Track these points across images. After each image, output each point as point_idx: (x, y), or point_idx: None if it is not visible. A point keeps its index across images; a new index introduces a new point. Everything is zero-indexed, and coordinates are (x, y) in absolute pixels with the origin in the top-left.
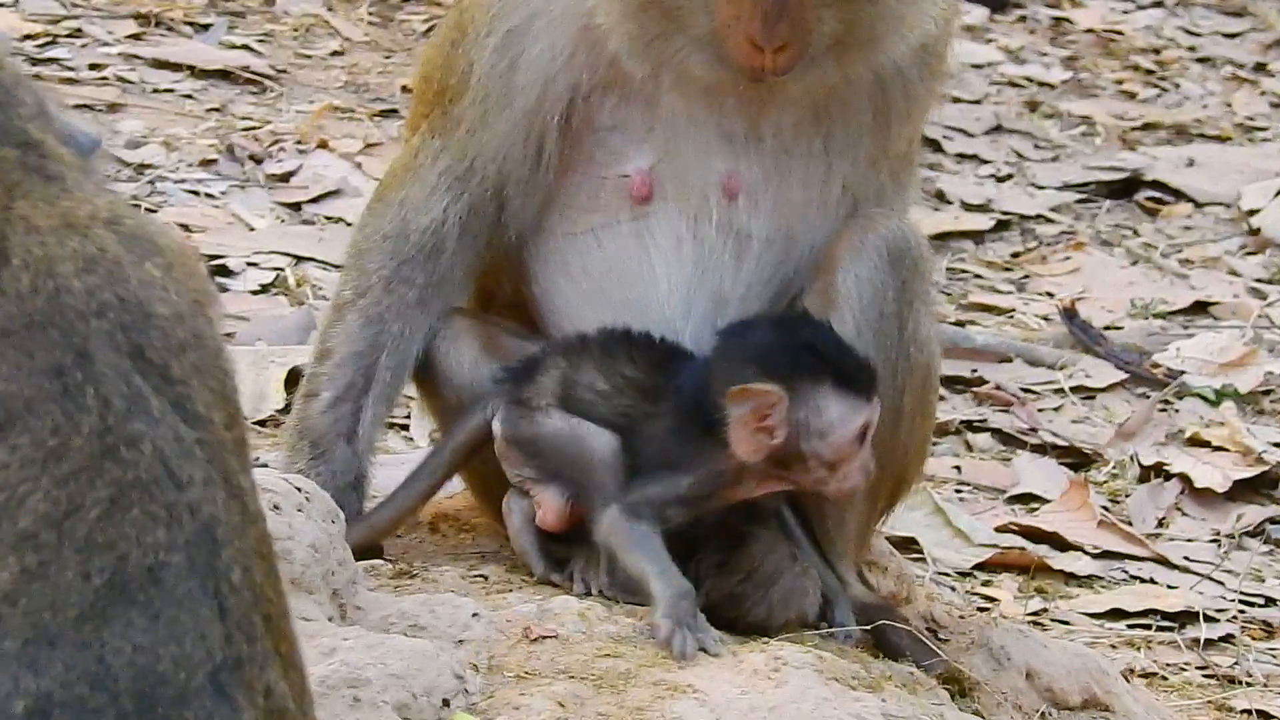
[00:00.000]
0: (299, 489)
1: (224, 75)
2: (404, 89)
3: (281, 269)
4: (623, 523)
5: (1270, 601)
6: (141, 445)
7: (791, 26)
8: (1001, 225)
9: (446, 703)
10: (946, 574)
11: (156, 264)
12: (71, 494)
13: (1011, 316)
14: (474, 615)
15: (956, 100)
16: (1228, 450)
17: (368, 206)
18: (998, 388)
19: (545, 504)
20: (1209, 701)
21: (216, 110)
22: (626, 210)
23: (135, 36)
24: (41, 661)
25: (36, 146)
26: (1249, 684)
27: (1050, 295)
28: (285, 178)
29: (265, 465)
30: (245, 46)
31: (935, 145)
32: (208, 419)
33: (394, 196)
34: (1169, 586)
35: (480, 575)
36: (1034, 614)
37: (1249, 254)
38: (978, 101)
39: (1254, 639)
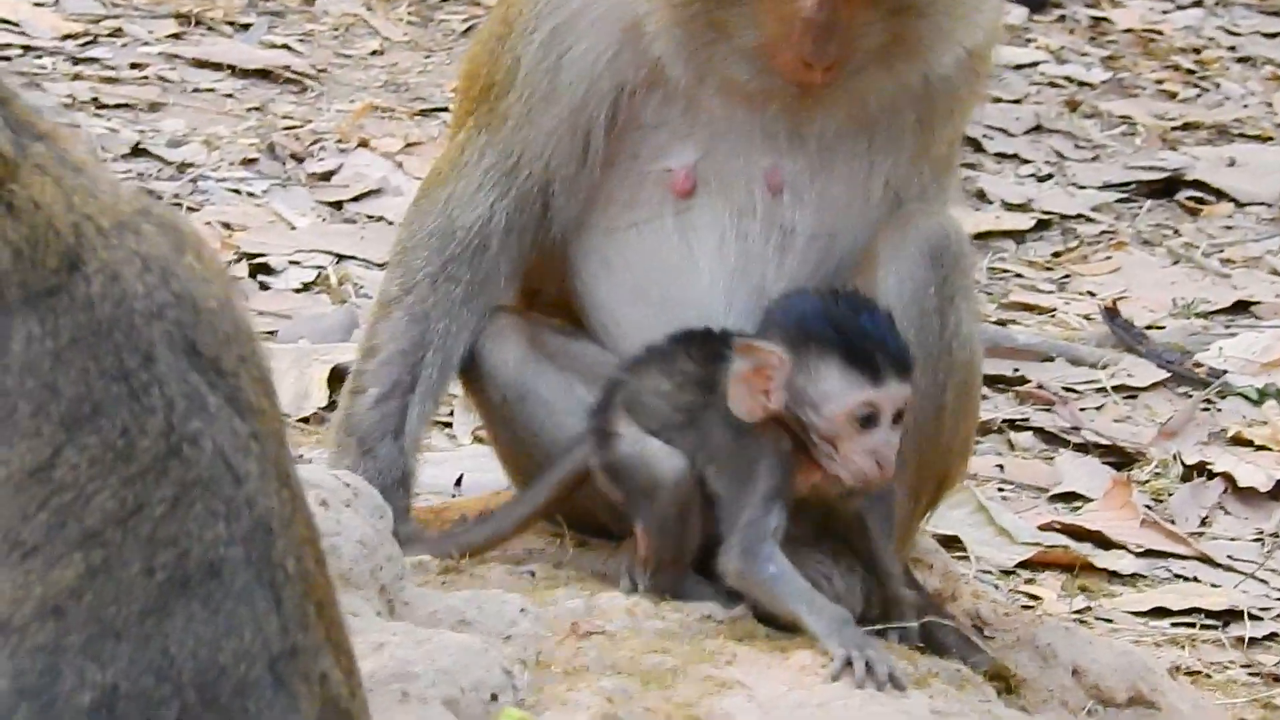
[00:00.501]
0: (346, 485)
1: (264, 74)
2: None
3: (323, 267)
4: (749, 567)
5: None
6: (202, 443)
7: (840, 45)
8: (1042, 225)
9: (494, 697)
10: (989, 572)
11: (190, 254)
12: (138, 493)
13: (1053, 316)
14: (521, 611)
15: (997, 100)
16: (1270, 449)
17: (413, 203)
18: (1040, 387)
19: (639, 536)
20: (1254, 700)
21: (257, 110)
22: (669, 205)
23: (176, 36)
24: (106, 655)
25: (50, 137)
26: None
27: (1091, 294)
28: (326, 176)
29: (310, 462)
30: (285, 46)
31: (976, 145)
32: (259, 409)
33: (440, 193)
34: (1213, 585)
35: (527, 571)
36: (1078, 612)
37: None
38: (1018, 101)
39: None
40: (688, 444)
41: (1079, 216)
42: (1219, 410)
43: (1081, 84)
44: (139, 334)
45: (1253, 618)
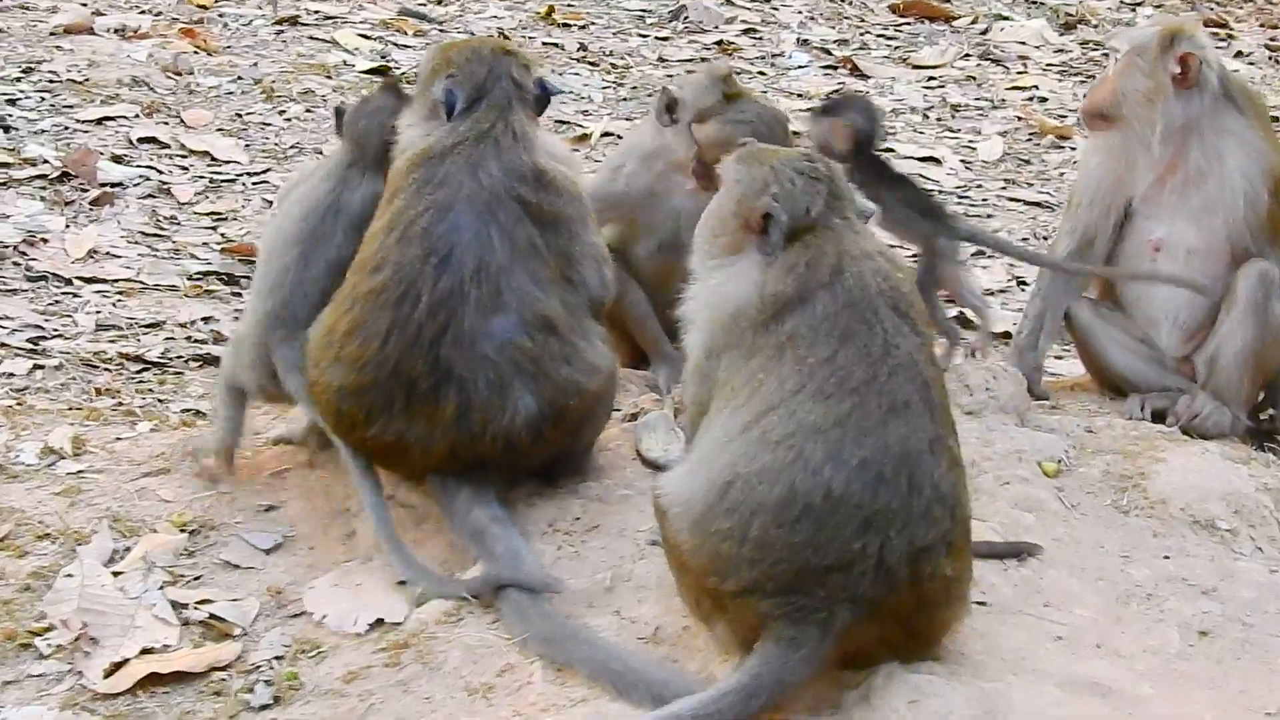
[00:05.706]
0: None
1: None
2: None
3: None
4: None
5: None
6: (901, 348)
7: None
8: None
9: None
10: None
11: (892, 265)
12: (873, 369)
13: None
14: None
15: None
16: None
17: None
18: None
19: None
20: None
21: None
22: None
23: None
24: (859, 445)
25: (847, 218)
26: None
27: None
28: None
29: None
30: None
31: None
32: (921, 332)
33: None
34: None
35: None
36: None
37: None
38: None
39: None
40: None
41: None
42: None
43: None
44: (871, 301)
45: None
